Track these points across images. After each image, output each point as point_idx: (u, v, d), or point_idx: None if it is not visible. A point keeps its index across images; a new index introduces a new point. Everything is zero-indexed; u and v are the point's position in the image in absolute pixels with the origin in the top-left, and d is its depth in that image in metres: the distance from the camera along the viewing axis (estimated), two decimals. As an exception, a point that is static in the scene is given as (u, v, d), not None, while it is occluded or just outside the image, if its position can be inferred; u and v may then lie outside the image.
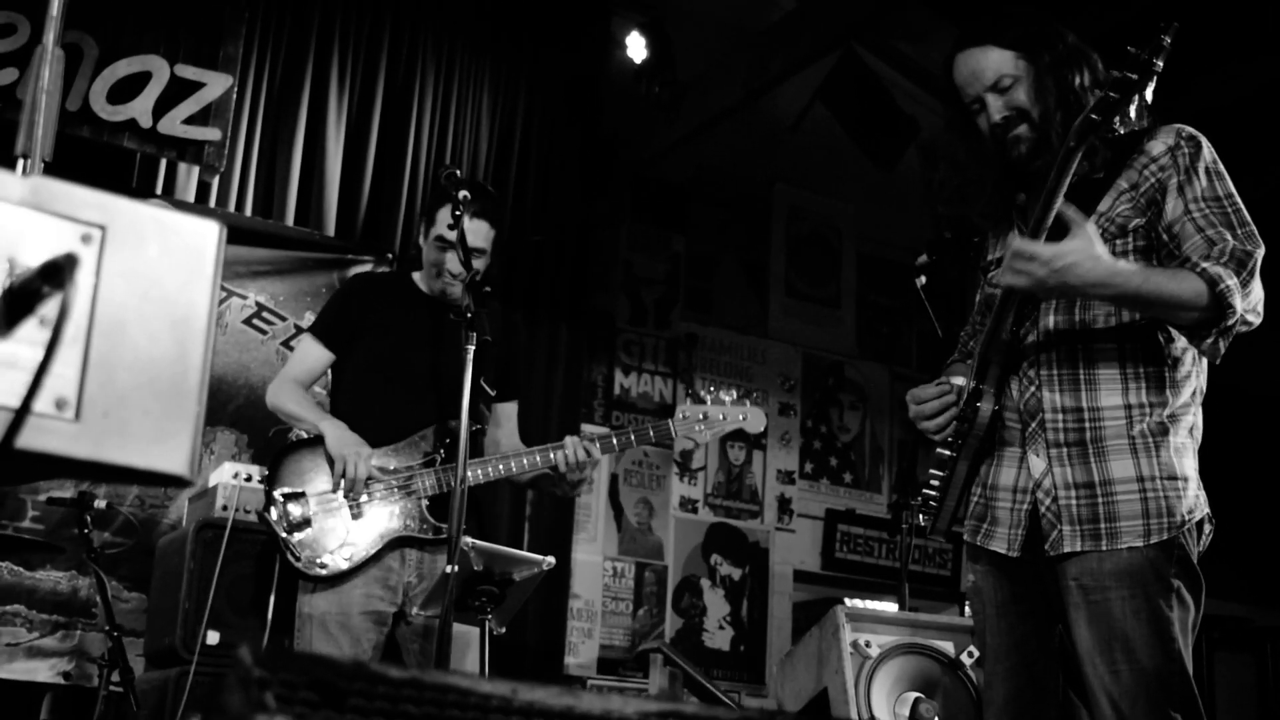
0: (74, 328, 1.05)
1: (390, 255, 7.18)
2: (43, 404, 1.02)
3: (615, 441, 4.58)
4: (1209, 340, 2.94)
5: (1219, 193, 3.00)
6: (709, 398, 4.63)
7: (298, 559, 4.21)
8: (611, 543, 8.98)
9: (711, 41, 8.80)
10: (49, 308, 1.04)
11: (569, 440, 4.43)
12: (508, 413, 4.76)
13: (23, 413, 1.00)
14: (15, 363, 1.03)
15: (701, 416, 4.58)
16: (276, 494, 4.27)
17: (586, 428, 8.42)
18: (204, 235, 1.14)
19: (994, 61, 3.14)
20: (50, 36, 1.67)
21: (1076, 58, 3.11)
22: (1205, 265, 2.87)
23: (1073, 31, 3.20)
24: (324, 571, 4.20)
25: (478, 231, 4.43)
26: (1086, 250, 2.82)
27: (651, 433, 4.59)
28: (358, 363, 4.55)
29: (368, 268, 7.01)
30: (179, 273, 1.11)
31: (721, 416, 4.59)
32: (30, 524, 5.98)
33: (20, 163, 1.59)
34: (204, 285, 1.12)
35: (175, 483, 1.10)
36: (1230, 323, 2.87)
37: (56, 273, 1.02)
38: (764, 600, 9.49)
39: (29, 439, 1.01)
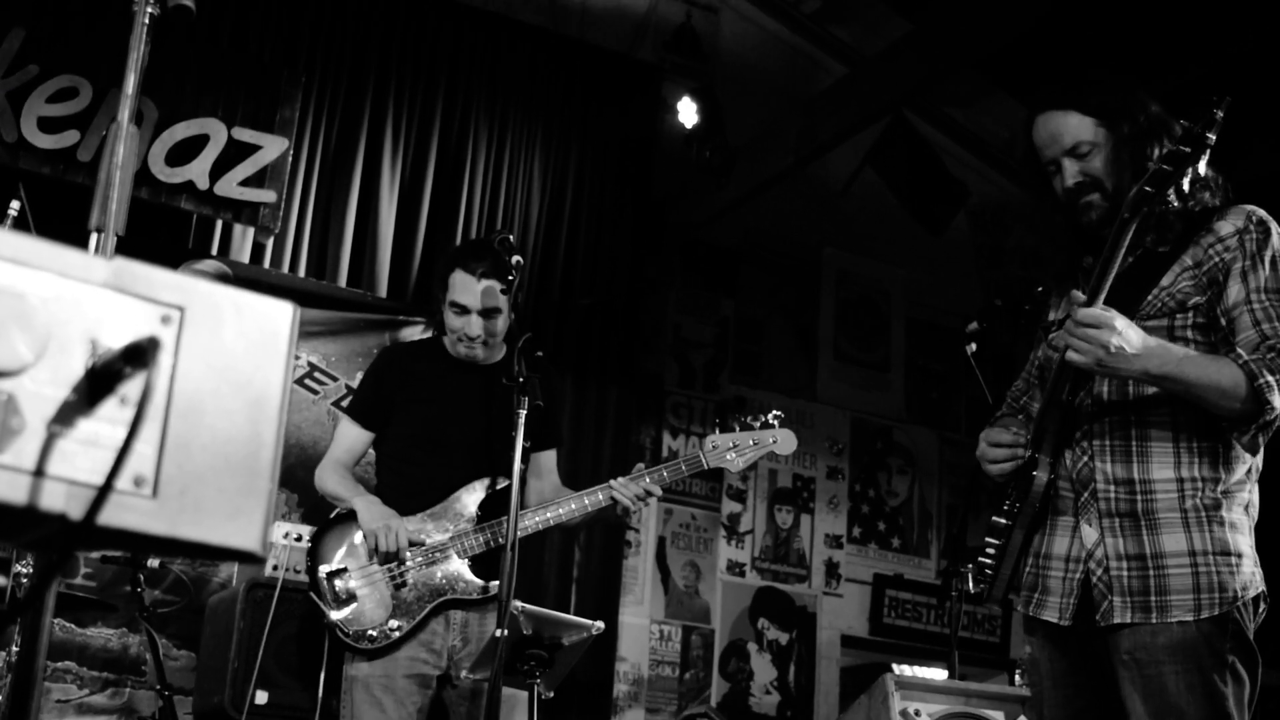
0: (152, 407, 1.07)
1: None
2: (122, 482, 1.05)
3: (650, 479, 4.53)
4: (1248, 435, 2.94)
5: None
6: (737, 424, 4.60)
7: (346, 634, 4.24)
8: (658, 606, 8.96)
9: (762, 107, 8.88)
10: (130, 388, 1.06)
11: (619, 484, 4.44)
12: (548, 462, 4.76)
13: (105, 490, 1.02)
14: (97, 441, 1.05)
15: (731, 444, 4.56)
16: (320, 573, 4.31)
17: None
18: (279, 317, 1.17)
19: (1074, 127, 3.15)
20: (125, 113, 1.71)
21: (1157, 130, 3.10)
22: (1249, 358, 2.86)
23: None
24: (371, 645, 4.23)
25: (490, 292, 4.45)
26: (1135, 325, 2.83)
27: (683, 466, 4.55)
28: (397, 434, 4.59)
29: (419, 329, 7.05)
30: (254, 353, 1.14)
31: (752, 442, 4.56)
32: (83, 581, 6.03)
33: (94, 237, 1.62)
34: (278, 366, 1.15)
35: (247, 558, 1.13)
36: (1270, 418, 2.87)
37: (139, 355, 1.05)
38: (811, 665, 9.43)
39: (109, 516, 1.03)
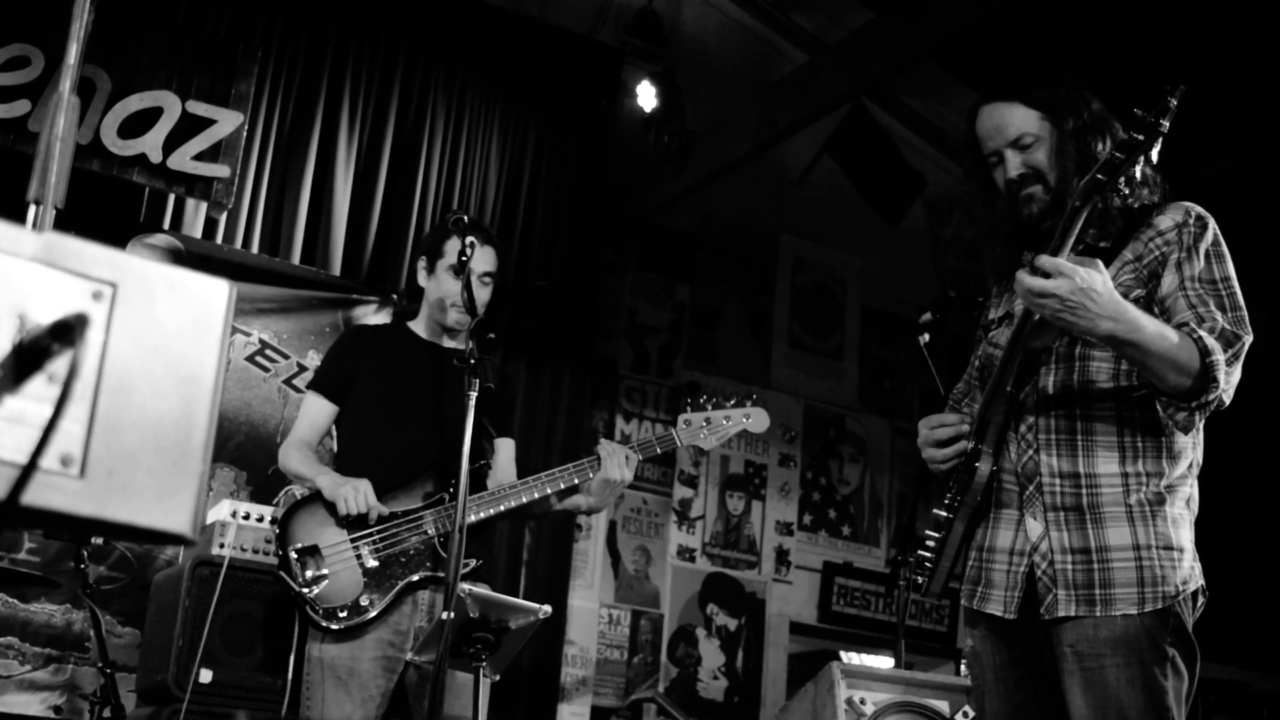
0: (81, 385, 1.05)
1: (395, 295, 7.18)
2: (48, 461, 1.03)
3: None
4: (1184, 413, 2.94)
5: (1215, 275, 3.01)
6: (710, 404, 4.61)
7: (316, 612, 4.19)
8: (608, 590, 8.96)
9: (721, 93, 8.86)
10: (58, 365, 1.04)
11: (609, 448, 4.45)
12: (508, 452, 4.76)
13: (29, 469, 1.00)
14: (23, 419, 1.03)
15: (705, 421, 4.56)
16: (290, 551, 4.25)
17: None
18: (214, 295, 1.14)
19: (1018, 119, 3.16)
20: (66, 84, 1.68)
21: (1100, 125, 3.12)
22: (1202, 334, 2.87)
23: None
24: (342, 624, 4.18)
25: (486, 257, 4.55)
26: (1105, 280, 2.82)
27: (656, 445, 4.54)
28: (358, 407, 4.57)
29: (372, 308, 7.02)
30: (188, 331, 1.12)
31: (725, 419, 4.57)
32: (26, 556, 5.97)
33: (32, 209, 1.59)
34: (212, 344, 1.13)
35: (177, 541, 1.11)
36: (1210, 398, 2.86)
37: (67, 331, 1.03)
38: (759, 651, 9.46)
39: (34, 496, 1.01)
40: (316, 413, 4.61)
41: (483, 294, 4.52)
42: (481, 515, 4.32)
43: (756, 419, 4.60)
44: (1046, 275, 2.80)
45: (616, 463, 4.42)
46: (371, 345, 4.69)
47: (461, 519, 3.84)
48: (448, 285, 4.54)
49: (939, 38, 7.30)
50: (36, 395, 1.04)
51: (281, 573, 4.25)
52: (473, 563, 4.26)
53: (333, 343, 4.94)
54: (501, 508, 4.36)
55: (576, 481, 4.44)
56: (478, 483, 4.39)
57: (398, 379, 4.56)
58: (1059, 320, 2.86)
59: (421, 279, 4.67)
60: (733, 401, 4.62)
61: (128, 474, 1.06)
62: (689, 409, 4.60)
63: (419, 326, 4.68)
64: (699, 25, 9.28)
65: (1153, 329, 2.84)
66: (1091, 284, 2.78)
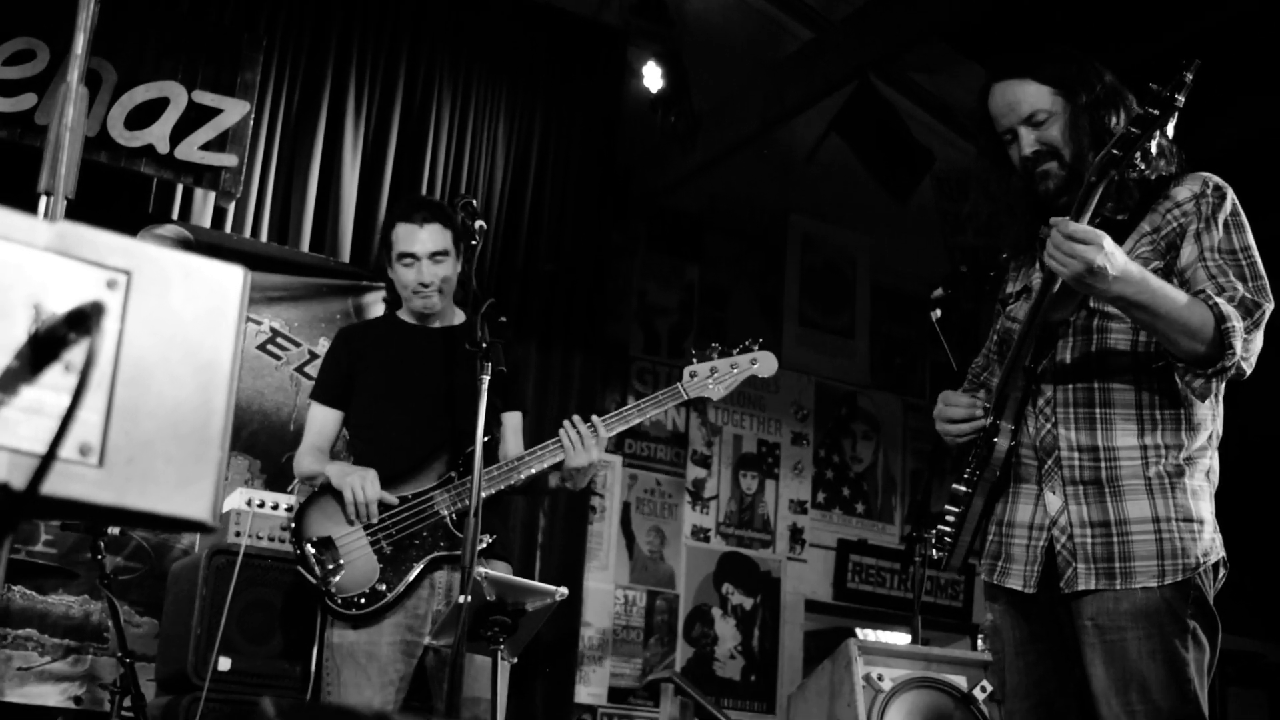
0: (98, 374, 1.05)
1: (381, 286, 7.16)
2: (67, 450, 1.02)
3: (625, 417, 4.48)
4: (1201, 380, 2.94)
5: (1235, 245, 3.00)
6: (715, 354, 4.53)
7: (336, 602, 4.22)
8: (623, 571, 8.97)
9: (728, 72, 8.83)
10: (75, 354, 1.04)
11: (570, 435, 4.39)
12: (514, 424, 4.75)
13: (48, 459, 1.00)
14: (41, 409, 1.03)
15: (710, 371, 4.49)
16: (306, 545, 4.28)
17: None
18: (228, 281, 1.14)
19: (1031, 95, 3.15)
20: (74, 75, 1.68)
21: (1113, 99, 3.11)
22: (1218, 300, 2.87)
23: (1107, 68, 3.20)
24: (359, 610, 4.20)
25: (434, 235, 4.47)
26: (1112, 242, 2.81)
27: (662, 398, 4.48)
28: (362, 403, 4.60)
29: (382, 294, 7.01)
30: (203, 318, 1.11)
31: (731, 366, 4.50)
32: (43, 548, 5.98)
33: (44, 200, 1.58)
34: (228, 331, 1.13)
35: (198, 528, 1.11)
36: (1228, 364, 2.86)
37: (83, 320, 1.03)
38: (775, 630, 9.46)
39: (54, 485, 1.01)
40: (323, 421, 4.64)
41: (438, 270, 4.51)
42: (490, 491, 4.31)
43: (764, 363, 4.52)
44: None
45: (576, 451, 4.36)
46: (363, 341, 4.71)
47: (477, 502, 3.84)
48: (403, 275, 4.53)
49: (945, 13, 7.27)
50: (54, 385, 1.04)
51: (299, 568, 4.29)
52: (486, 539, 4.26)
53: (326, 350, 4.95)
54: (512, 480, 4.36)
55: (558, 454, 4.41)
56: (487, 458, 4.37)
57: (396, 368, 4.57)
58: (1079, 286, 2.86)
59: (388, 270, 4.66)
60: (738, 349, 4.54)
61: (147, 462, 1.06)
62: (694, 360, 4.53)
63: (407, 314, 4.68)
64: (704, 4, 9.23)
65: (1163, 292, 2.84)
66: (1115, 254, 2.79)
